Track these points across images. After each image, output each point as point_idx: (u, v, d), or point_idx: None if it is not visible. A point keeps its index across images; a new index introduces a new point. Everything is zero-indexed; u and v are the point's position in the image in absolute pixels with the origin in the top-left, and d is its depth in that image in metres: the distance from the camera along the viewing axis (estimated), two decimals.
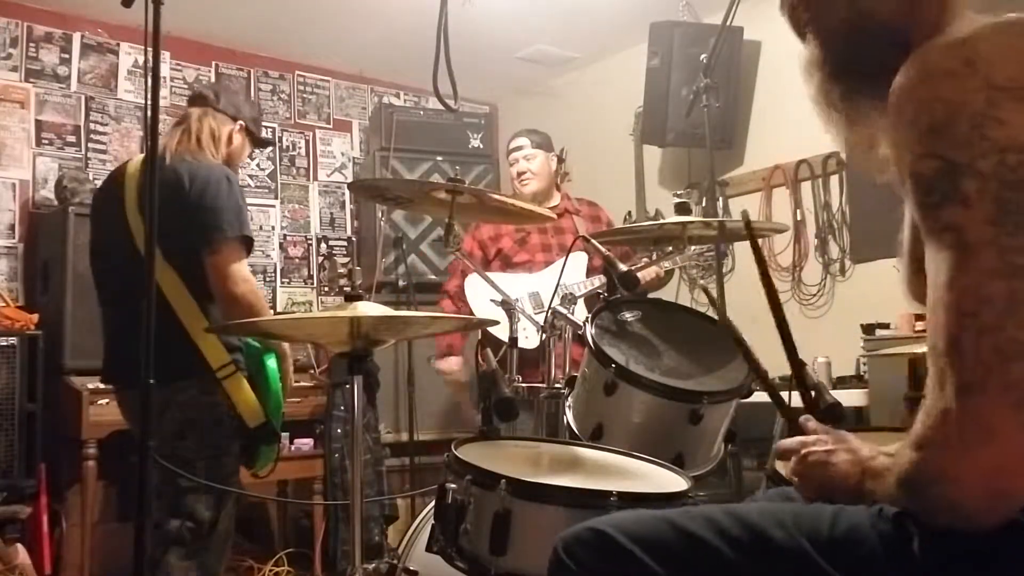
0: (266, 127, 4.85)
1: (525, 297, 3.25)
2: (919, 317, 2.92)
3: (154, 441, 1.78)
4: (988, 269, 0.85)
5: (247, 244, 2.31)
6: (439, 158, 4.61)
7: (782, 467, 1.72)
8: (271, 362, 2.40)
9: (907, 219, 1.07)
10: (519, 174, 3.57)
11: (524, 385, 2.21)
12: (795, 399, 2.18)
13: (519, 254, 3.51)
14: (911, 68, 0.93)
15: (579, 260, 3.22)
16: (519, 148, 3.61)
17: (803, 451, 1.10)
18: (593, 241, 2.19)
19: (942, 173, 0.88)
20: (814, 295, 3.88)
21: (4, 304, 3.71)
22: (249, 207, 3.75)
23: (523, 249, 3.51)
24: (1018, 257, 0.85)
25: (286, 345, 2.49)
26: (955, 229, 0.87)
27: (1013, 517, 0.88)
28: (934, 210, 0.90)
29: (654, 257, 2.49)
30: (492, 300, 3.32)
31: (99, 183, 4.14)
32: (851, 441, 1.08)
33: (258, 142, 2.70)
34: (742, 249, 4.14)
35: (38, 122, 4.14)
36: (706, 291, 1.69)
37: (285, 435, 3.81)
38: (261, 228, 4.79)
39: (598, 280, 3.06)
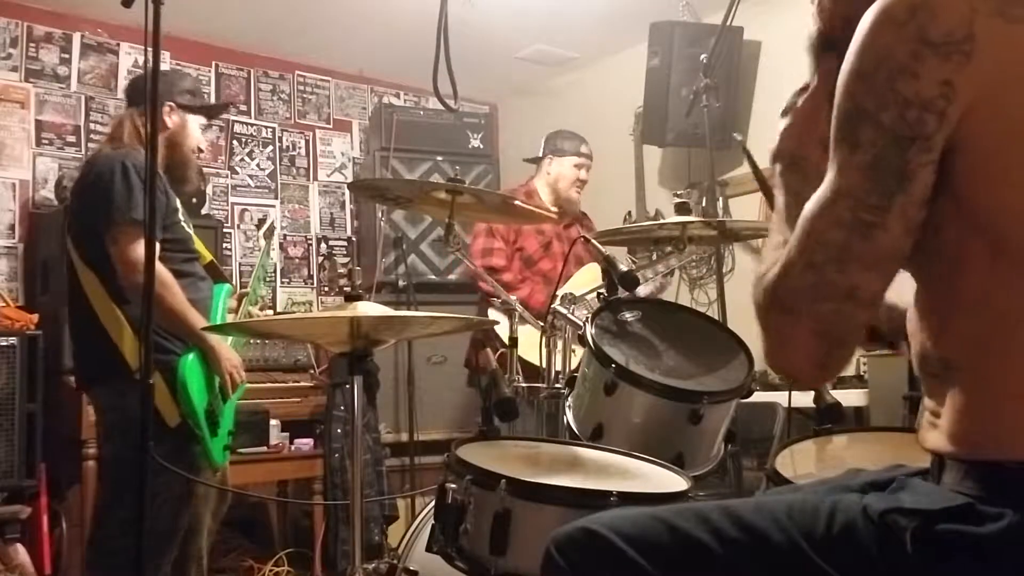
0: (266, 127, 4.87)
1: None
2: None
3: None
4: (837, 219, 0.95)
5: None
6: (439, 158, 4.61)
7: (782, 466, 1.72)
8: (186, 363, 2.32)
9: None
10: (581, 181, 3.64)
11: (524, 385, 2.21)
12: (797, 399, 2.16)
13: (544, 259, 3.56)
14: (874, 7, 0.96)
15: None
16: (589, 156, 3.68)
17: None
18: (593, 241, 2.20)
19: (851, 115, 0.95)
20: None
21: (4, 304, 3.71)
22: (248, 207, 3.70)
23: (547, 255, 3.55)
24: (866, 214, 0.94)
25: (215, 341, 2.37)
26: (837, 169, 0.96)
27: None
28: (835, 143, 0.97)
29: (654, 257, 2.49)
30: (494, 298, 3.35)
31: None
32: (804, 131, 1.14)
33: (203, 111, 2.61)
34: (741, 249, 4.14)
35: (38, 122, 4.14)
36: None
37: (285, 435, 3.82)
38: None
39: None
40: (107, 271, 2.30)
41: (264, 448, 3.66)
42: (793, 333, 0.99)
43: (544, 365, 2.19)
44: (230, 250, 4.61)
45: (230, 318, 2.60)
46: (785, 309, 1.00)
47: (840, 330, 0.98)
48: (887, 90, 0.93)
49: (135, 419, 1.98)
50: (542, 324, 2.22)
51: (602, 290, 2.10)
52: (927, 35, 0.91)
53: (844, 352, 1.00)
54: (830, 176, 0.97)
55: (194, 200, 3.81)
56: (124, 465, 2.15)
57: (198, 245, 2.58)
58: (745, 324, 1.62)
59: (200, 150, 2.63)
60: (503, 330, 2.42)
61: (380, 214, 4.51)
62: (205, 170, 4.20)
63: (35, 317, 3.57)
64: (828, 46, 1.09)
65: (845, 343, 0.99)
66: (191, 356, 2.35)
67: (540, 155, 3.76)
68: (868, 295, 0.96)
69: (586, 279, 3.31)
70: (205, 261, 2.61)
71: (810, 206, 0.99)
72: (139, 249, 2.09)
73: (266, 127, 4.88)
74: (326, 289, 4.91)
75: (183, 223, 2.49)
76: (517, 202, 2.43)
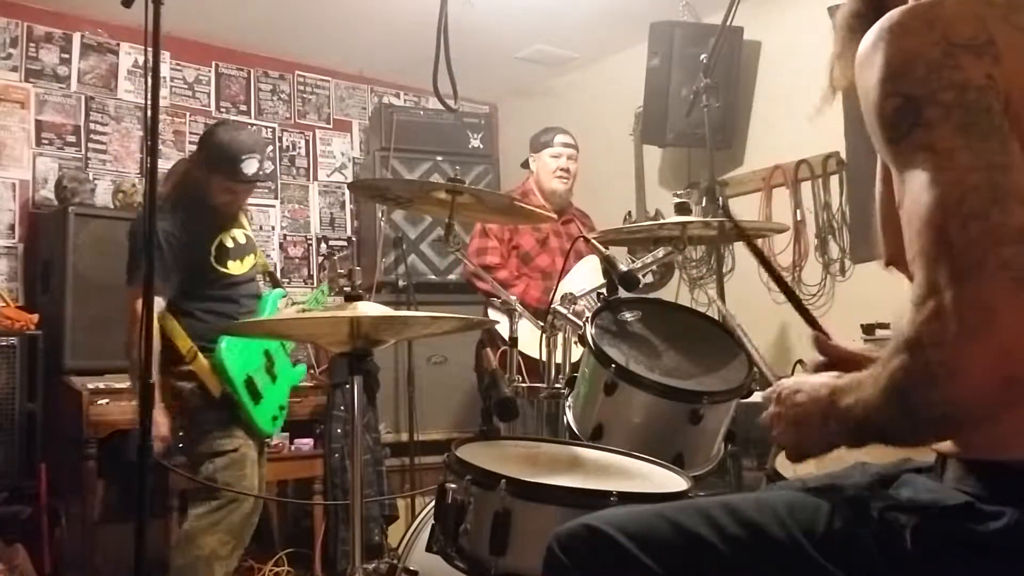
0: (266, 127, 4.86)
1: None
2: None
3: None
4: (967, 165, 0.86)
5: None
6: (439, 158, 4.61)
7: (782, 466, 1.72)
8: (222, 345, 2.79)
9: (878, 179, 1.08)
10: (563, 169, 3.64)
11: (524, 385, 2.21)
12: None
13: (541, 256, 3.56)
14: (876, 27, 0.97)
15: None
16: (569, 145, 3.68)
17: (775, 412, 1.09)
18: (593, 241, 2.20)
19: (904, 108, 0.92)
20: (814, 295, 3.88)
21: (4, 304, 3.70)
22: (248, 206, 3.77)
23: (544, 251, 3.56)
24: (994, 156, 0.86)
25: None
26: (926, 146, 0.89)
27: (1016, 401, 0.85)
28: (901, 140, 0.92)
29: (649, 259, 2.48)
30: (493, 298, 3.36)
31: (99, 183, 4.18)
32: (805, 381, 1.06)
33: (224, 175, 2.85)
34: (741, 249, 4.14)
35: (38, 122, 4.14)
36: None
37: (285, 435, 3.82)
38: (261, 228, 4.79)
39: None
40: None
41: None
42: (992, 294, 0.81)
43: (544, 363, 2.19)
44: None
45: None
46: (969, 271, 0.82)
47: None
48: (933, 78, 0.90)
49: (190, 400, 2.78)
50: (541, 324, 2.22)
51: (602, 290, 2.10)
52: (953, 39, 0.91)
53: None
54: (923, 156, 0.89)
55: None
56: (183, 437, 2.82)
57: (259, 260, 3.12)
58: (745, 324, 1.62)
59: (227, 206, 2.94)
60: (504, 329, 2.42)
61: (380, 214, 4.51)
62: None
63: (35, 317, 3.57)
64: (860, 23, 1.08)
65: None
66: (227, 340, 2.80)
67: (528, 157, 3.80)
68: None
69: (585, 272, 3.32)
70: (268, 270, 3.25)
71: (922, 185, 0.88)
72: (139, 307, 2.51)
73: (266, 127, 4.88)
74: (324, 289, 4.91)
75: (215, 265, 2.89)
76: (517, 202, 2.43)
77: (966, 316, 0.82)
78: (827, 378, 1.03)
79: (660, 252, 2.34)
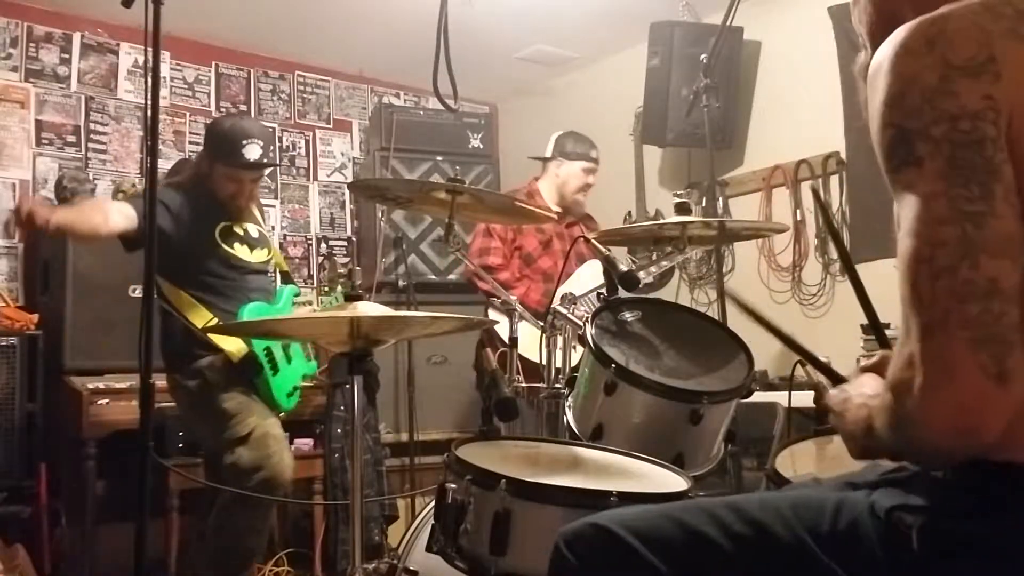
0: (266, 125, 4.85)
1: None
2: None
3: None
4: (939, 217, 0.89)
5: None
6: (439, 158, 4.61)
7: (782, 466, 1.72)
8: (245, 310, 2.87)
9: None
10: (588, 185, 3.64)
11: (524, 385, 2.21)
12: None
13: (543, 257, 3.56)
14: (884, 46, 0.98)
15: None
16: (598, 161, 3.67)
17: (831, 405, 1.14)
18: (594, 241, 2.20)
19: (898, 140, 0.94)
20: (814, 295, 3.88)
21: (4, 304, 3.71)
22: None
23: (547, 253, 3.56)
24: (968, 204, 0.89)
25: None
26: (911, 187, 0.92)
27: (983, 456, 0.92)
28: (895, 173, 0.95)
29: (654, 257, 2.49)
30: (494, 298, 3.36)
31: (99, 183, 4.18)
32: (849, 398, 1.10)
33: (226, 161, 2.90)
34: (741, 249, 4.14)
35: (38, 122, 4.14)
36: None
37: (285, 435, 3.81)
38: None
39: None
40: (176, 278, 2.85)
41: None
42: (951, 353, 0.86)
43: (544, 364, 2.19)
44: None
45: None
46: (932, 328, 0.88)
47: (999, 330, 0.86)
48: (927, 108, 0.92)
49: (201, 389, 2.82)
50: (541, 324, 2.22)
51: (602, 290, 2.10)
52: (951, 61, 0.92)
53: (1015, 355, 0.86)
54: (908, 198, 0.92)
55: None
56: (206, 427, 2.92)
57: (276, 257, 3.21)
58: (745, 324, 1.62)
59: (233, 198, 2.96)
60: (503, 330, 2.42)
61: (380, 214, 4.51)
62: None
63: (35, 317, 3.58)
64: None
65: (1011, 344, 0.87)
66: (250, 306, 2.88)
67: (548, 155, 3.75)
68: (1009, 286, 0.87)
69: (587, 276, 3.32)
70: (282, 268, 3.35)
71: (904, 231, 0.92)
72: (113, 207, 2.75)
73: (266, 126, 4.87)
74: (326, 289, 4.91)
75: (219, 241, 2.92)
76: (517, 202, 2.43)
77: (927, 371, 0.88)
78: (868, 383, 1.08)
79: (664, 262, 2.35)
